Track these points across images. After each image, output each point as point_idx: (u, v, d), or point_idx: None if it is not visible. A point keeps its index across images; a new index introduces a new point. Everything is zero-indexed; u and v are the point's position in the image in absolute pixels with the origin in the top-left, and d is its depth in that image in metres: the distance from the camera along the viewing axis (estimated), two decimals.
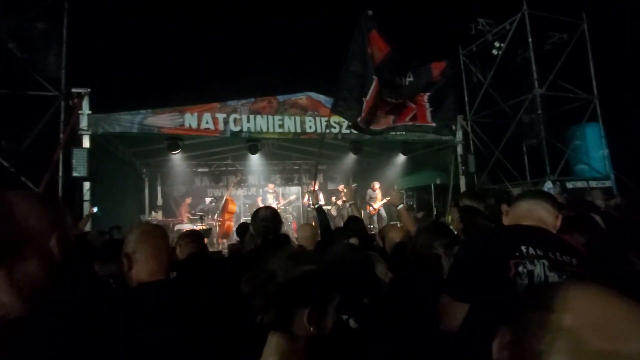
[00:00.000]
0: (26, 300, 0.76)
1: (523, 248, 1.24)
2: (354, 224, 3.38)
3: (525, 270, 1.19)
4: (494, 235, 1.45)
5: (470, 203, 2.37)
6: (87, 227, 6.00)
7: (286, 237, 2.46)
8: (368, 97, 4.05)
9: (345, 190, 10.46)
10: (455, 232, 2.67)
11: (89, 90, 6.83)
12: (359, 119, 4.16)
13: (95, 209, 6.12)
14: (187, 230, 3.26)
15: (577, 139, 10.02)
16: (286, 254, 0.93)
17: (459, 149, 9.75)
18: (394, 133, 8.85)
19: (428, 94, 4.36)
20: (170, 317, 1.12)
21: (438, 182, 10.57)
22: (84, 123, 6.75)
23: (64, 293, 0.84)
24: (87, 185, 6.69)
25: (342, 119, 8.49)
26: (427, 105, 4.37)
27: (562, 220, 1.61)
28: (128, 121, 7.04)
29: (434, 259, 1.91)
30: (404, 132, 8.72)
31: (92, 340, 0.78)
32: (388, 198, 10.67)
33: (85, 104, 6.79)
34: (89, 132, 6.77)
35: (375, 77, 4.05)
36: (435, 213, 10.19)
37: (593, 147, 10.01)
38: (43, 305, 0.77)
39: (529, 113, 9.60)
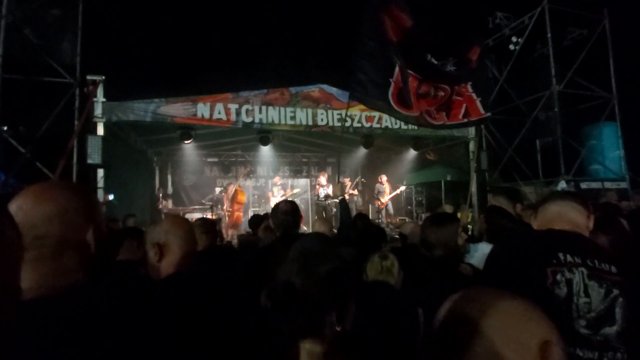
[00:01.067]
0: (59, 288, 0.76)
1: (560, 255, 1.19)
2: (361, 220, 3.38)
3: (563, 279, 1.15)
4: (528, 241, 1.39)
5: (506, 203, 2.31)
6: None
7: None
8: (395, 78, 3.65)
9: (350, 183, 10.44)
10: (474, 232, 2.64)
11: (103, 77, 6.84)
12: (388, 100, 3.69)
13: (110, 197, 6.17)
14: (198, 219, 3.12)
15: (593, 139, 9.81)
16: (296, 258, 0.89)
17: (471, 146, 9.60)
18: (407, 128, 8.79)
19: (470, 83, 4.16)
20: (206, 308, 1.11)
21: (449, 178, 10.44)
22: (98, 110, 6.77)
23: (102, 284, 0.84)
24: (100, 172, 6.73)
25: (353, 112, 8.42)
26: (474, 96, 4.16)
27: None
28: (142, 109, 7.05)
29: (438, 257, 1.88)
30: (414, 129, 8.64)
31: (133, 330, 0.78)
32: (398, 191, 10.62)
33: (100, 91, 6.81)
34: (103, 120, 6.79)
35: (397, 58, 3.68)
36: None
37: (609, 147, 9.79)
38: (79, 291, 0.77)
39: (545, 110, 9.42)
